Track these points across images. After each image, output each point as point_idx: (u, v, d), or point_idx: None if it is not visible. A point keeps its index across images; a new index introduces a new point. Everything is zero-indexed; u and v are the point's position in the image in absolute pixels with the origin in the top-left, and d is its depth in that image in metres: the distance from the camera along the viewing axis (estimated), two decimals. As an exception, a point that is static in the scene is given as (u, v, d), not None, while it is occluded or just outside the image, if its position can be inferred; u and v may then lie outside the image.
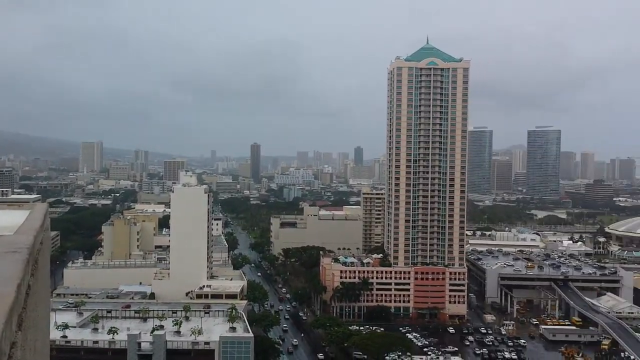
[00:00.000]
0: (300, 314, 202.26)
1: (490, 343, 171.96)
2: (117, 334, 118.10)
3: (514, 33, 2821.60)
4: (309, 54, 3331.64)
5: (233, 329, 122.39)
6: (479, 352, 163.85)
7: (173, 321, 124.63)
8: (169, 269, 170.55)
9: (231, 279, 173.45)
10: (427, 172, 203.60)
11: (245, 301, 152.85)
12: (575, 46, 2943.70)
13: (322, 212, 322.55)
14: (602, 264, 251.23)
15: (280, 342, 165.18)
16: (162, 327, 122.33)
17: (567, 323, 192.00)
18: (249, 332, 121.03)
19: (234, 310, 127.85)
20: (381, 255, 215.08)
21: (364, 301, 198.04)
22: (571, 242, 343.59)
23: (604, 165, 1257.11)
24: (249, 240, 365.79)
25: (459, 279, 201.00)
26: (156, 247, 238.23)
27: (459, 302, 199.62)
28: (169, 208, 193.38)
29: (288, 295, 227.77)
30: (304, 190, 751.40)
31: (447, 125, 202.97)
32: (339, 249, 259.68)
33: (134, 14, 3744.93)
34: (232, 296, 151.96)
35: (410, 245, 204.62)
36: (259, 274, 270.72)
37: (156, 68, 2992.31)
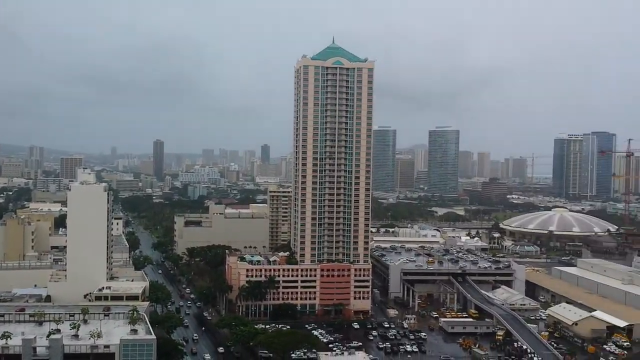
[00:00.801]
0: (205, 314, 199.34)
1: (393, 337, 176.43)
2: (11, 338, 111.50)
3: (418, 35, 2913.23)
4: (216, 51, 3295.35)
5: (134, 331, 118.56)
6: (382, 346, 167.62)
7: (71, 324, 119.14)
8: (65, 270, 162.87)
9: (132, 280, 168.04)
10: (333, 170, 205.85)
11: (148, 302, 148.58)
12: (475, 50, 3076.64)
13: (229, 210, 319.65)
14: (496, 259, 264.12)
15: (184, 343, 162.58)
16: (58, 331, 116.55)
17: (464, 315, 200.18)
18: (151, 334, 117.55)
19: (135, 312, 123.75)
20: (288, 253, 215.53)
21: (270, 299, 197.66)
22: (469, 237, 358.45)
23: (498, 164, 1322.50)
24: (152, 239, 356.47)
25: (363, 276, 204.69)
26: (52, 247, 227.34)
27: (363, 298, 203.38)
28: (66, 207, 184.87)
29: (192, 296, 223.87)
30: (210, 188, 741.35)
31: (353, 124, 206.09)
32: (245, 247, 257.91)
33: (25, 6, 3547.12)
34: (134, 298, 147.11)
35: (317, 242, 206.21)
36: (162, 273, 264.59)
37: (51, 62, 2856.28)
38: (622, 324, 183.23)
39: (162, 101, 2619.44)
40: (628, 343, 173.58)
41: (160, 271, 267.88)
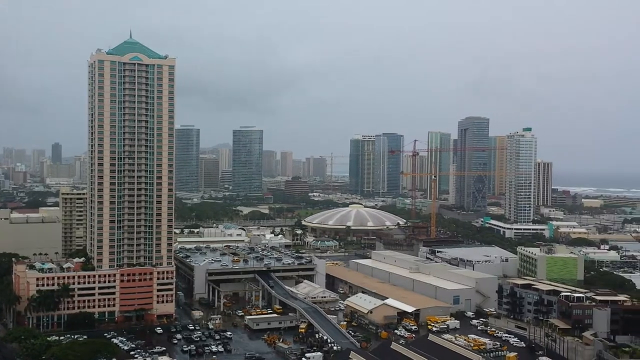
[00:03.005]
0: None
1: (198, 339, 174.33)
2: None
3: (227, 34, 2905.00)
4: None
5: None
6: (186, 348, 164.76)
7: None
8: None
9: None
10: (133, 171, 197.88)
11: None
12: (282, 51, 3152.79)
13: (15, 215, 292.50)
14: (299, 254, 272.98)
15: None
16: None
17: (269, 312, 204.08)
18: None
19: None
20: (83, 258, 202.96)
21: (64, 309, 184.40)
22: (273, 235, 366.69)
23: (300, 163, 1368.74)
24: None
25: (167, 278, 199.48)
26: None
27: (167, 302, 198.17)
28: None
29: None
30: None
31: (154, 123, 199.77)
32: (35, 254, 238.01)
33: None
34: None
35: (116, 246, 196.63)
36: None
37: None
38: (410, 309, 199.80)
39: None
40: (415, 327, 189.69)
41: None
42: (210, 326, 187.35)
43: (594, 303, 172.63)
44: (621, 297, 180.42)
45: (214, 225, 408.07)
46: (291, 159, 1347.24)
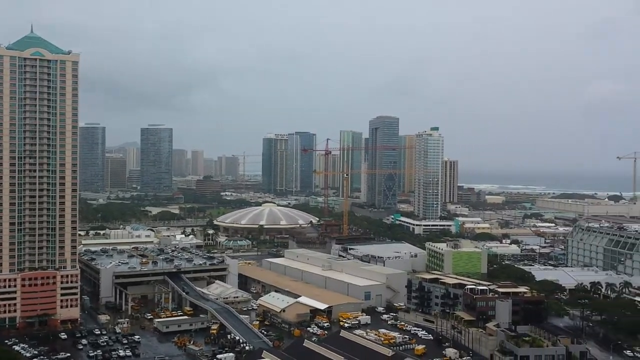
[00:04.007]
0: None
1: (105, 343, 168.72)
2: None
3: (134, 30, 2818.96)
4: None
5: None
6: (92, 354, 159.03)
7: None
8: None
9: None
10: (35, 171, 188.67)
11: None
12: (193, 48, 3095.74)
13: None
14: (211, 255, 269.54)
15: None
16: None
17: (179, 314, 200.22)
18: None
19: None
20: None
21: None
22: (184, 235, 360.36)
23: (212, 162, 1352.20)
24: None
25: (71, 282, 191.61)
26: None
27: (71, 306, 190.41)
28: None
29: None
30: None
31: (56, 121, 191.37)
32: None
33: None
34: None
35: (17, 249, 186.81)
36: None
37: None
38: (323, 306, 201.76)
39: None
40: (328, 323, 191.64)
41: None
42: (118, 330, 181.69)
43: (496, 295, 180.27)
44: (522, 289, 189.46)
45: (121, 226, 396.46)
46: (202, 158, 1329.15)
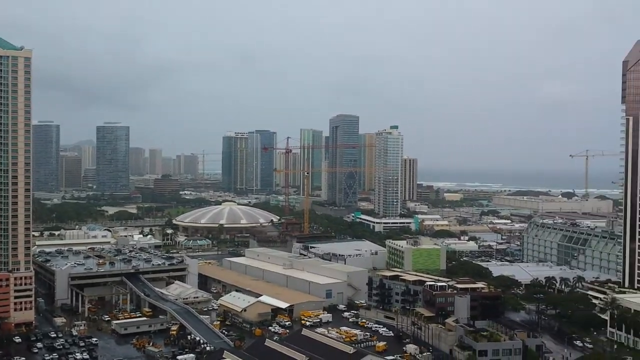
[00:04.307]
0: None
1: (61, 347, 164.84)
2: None
3: (88, 26, 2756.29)
4: None
5: None
6: (48, 357, 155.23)
7: None
8: None
9: None
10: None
11: None
12: (151, 46, 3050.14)
13: None
14: (170, 255, 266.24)
15: None
16: None
17: (138, 315, 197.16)
18: None
19: None
20: None
21: None
22: (142, 235, 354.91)
23: (170, 161, 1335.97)
24: None
25: (25, 284, 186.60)
26: None
27: (26, 309, 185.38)
28: None
29: None
30: None
31: (8, 119, 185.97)
32: None
33: None
34: None
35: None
36: None
37: None
38: (284, 305, 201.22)
39: None
40: (289, 322, 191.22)
41: None
42: (74, 333, 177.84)
43: (455, 291, 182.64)
44: (479, 285, 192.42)
45: (77, 226, 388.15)
46: (161, 156, 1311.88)
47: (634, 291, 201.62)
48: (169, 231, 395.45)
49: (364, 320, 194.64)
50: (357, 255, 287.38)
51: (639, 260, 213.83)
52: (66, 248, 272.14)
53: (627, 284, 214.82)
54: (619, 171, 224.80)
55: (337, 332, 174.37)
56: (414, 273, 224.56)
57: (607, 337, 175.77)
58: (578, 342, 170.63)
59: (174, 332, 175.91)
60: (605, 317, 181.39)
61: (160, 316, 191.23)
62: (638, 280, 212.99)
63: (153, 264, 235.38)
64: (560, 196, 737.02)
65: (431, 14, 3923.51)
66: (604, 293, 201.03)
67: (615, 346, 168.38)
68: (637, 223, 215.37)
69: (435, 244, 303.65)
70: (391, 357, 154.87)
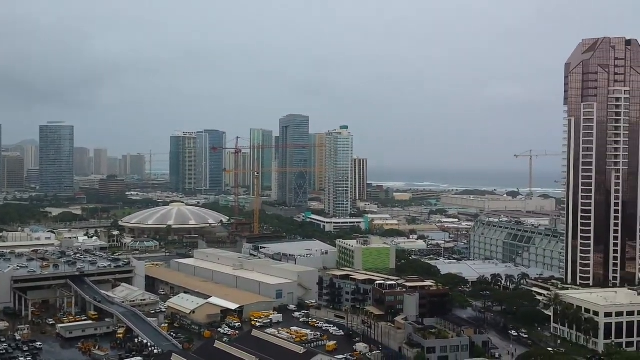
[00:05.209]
0: None
1: (4, 351, 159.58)
2: None
3: (31, 24, 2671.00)
4: None
5: None
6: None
7: None
8: None
9: None
10: None
11: None
12: (94, 43, 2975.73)
13: None
14: (116, 257, 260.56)
15: None
16: None
17: (83, 318, 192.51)
18: None
19: None
20: None
21: None
22: (87, 237, 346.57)
23: (116, 161, 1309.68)
24: None
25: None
26: None
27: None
28: None
29: None
30: None
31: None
32: None
33: None
34: None
35: None
36: None
37: None
38: (234, 306, 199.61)
39: None
40: (239, 323, 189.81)
41: None
42: (17, 337, 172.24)
43: (404, 289, 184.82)
44: (428, 283, 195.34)
45: (19, 228, 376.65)
46: (106, 156, 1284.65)
47: (576, 287, 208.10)
48: (115, 233, 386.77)
49: (314, 320, 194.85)
50: (307, 255, 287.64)
51: (581, 257, 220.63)
52: (8, 250, 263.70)
53: (569, 281, 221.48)
54: (562, 170, 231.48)
55: (287, 333, 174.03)
56: (364, 272, 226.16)
57: (551, 332, 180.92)
58: (513, 332, 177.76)
59: (121, 335, 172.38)
60: (549, 313, 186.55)
61: (107, 319, 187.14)
62: (580, 277, 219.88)
63: (99, 266, 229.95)
64: (505, 195, 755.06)
65: (431, 14, 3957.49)
66: (548, 289, 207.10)
67: (559, 341, 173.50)
68: (579, 221, 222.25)
69: (384, 243, 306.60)
70: (341, 356, 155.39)
